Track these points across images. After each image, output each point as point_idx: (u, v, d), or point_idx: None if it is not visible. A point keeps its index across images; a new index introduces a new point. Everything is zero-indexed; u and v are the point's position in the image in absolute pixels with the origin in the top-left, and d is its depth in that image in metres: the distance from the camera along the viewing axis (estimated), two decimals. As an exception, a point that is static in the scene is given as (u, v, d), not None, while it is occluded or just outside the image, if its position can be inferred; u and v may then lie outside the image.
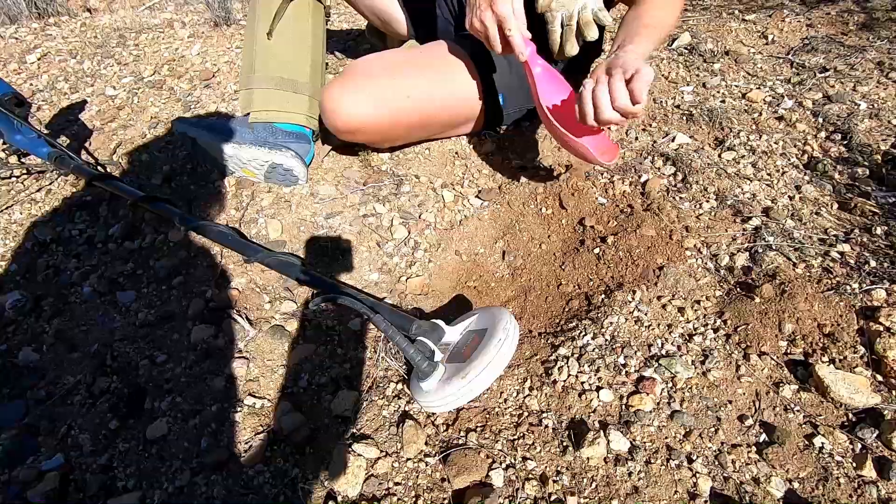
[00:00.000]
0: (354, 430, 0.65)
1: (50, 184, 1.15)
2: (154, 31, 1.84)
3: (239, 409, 0.70)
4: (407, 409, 0.67)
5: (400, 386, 0.69)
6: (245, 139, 1.00)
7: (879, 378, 0.64)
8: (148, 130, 1.28)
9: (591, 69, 0.82)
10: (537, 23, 0.92)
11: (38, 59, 1.69)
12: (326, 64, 1.30)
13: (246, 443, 0.66)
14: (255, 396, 0.71)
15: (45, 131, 1.31)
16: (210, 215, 1.00)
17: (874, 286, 0.73)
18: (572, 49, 0.89)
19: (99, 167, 1.17)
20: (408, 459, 0.61)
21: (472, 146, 1.10)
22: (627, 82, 0.73)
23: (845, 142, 1.03)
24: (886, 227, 0.83)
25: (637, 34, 0.84)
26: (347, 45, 1.68)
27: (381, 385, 0.70)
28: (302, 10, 1.03)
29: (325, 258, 0.92)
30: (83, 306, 0.87)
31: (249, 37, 1.03)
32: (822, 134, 1.06)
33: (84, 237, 1.01)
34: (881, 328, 0.67)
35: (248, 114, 1.02)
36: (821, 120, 1.09)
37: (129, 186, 1.00)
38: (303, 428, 0.66)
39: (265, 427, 0.68)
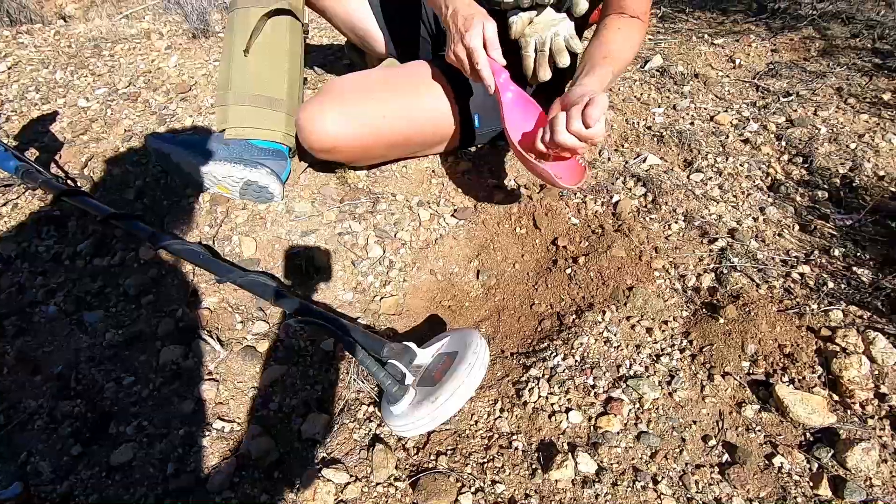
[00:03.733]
0: (324, 454, 0.65)
1: (17, 198, 1.12)
2: (130, 41, 1.82)
3: (207, 433, 0.69)
4: (378, 432, 0.66)
5: (371, 409, 0.69)
6: (220, 156, 1.00)
7: (835, 398, 0.66)
8: (121, 144, 1.26)
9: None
10: (512, 47, 0.95)
11: (9, 69, 1.65)
12: (305, 79, 1.30)
13: (213, 468, 0.65)
14: (224, 420, 0.70)
15: (13, 143, 1.28)
16: (183, 232, 0.99)
17: (832, 307, 0.76)
18: (545, 74, 0.91)
19: (69, 182, 1.14)
20: (377, 484, 0.61)
21: (448, 165, 1.11)
22: (584, 108, 0.74)
23: (806, 165, 1.07)
24: (844, 249, 0.86)
25: (597, 65, 0.86)
26: (327, 60, 1.69)
27: (352, 408, 0.70)
28: (279, 27, 1.04)
29: (299, 277, 0.91)
30: (48, 326, 0.85)
31: (226, 53, 1.03)
32: (785, 157, 1.10)
33: (51, 254, 0.99)
34: (837, 349, 0.70)
35: (224, 130, 1.01)
36: (784, 143, 1.13)
37: (98, 202, 0.98)
38: (272, 452, 0.66)
39: (234, 451, 0.67)
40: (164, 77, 1.56)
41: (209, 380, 0.75)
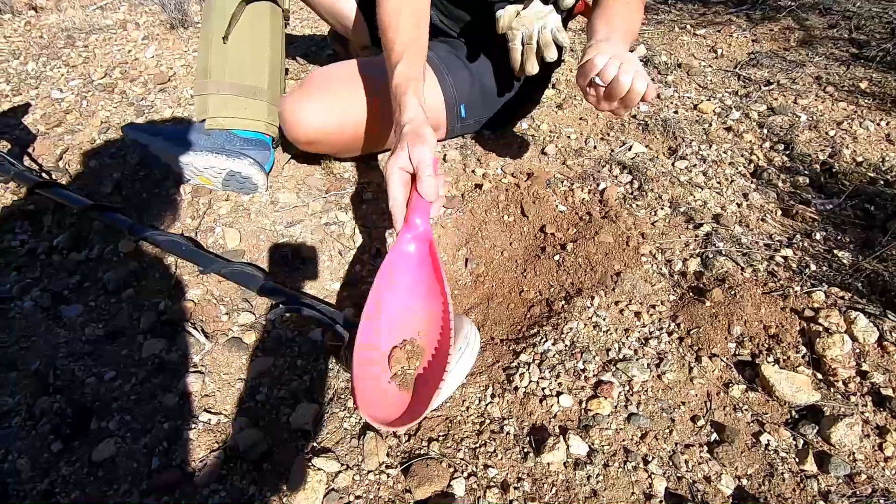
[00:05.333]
0: (314, 444, 0.64)
1: (-12, 192, 1.08)
2: (105, 31, 1.77)
3: (193, 425, 0.67)
4: (368, 420, 0.66)
5: (361, 397, 0.69)
6: (201, 146, 0.97)
7: (819, 376, 0.68)
8: (97, 136, 1.23)
9: (583, 57, 0.76)
10: (499, 40, 0.94)
11: (-23, 59, 1.59)
12: (287, 70, 1.28)
13: (200, 461, 0.64)
14: (210, 412, 0.69)
15: (-16, 136, 1.24)
16: (164, 224, 0.96)
17: (814, 289, 0.77)
18: (532, 68, 0.91)
19: (43, 174, 1.11)
20: (369, 472, 0.60)
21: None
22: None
23: (788, 152, 1.08)
24: (825, 233, 0.88)
25: (618, 31, 0.81)
26: (310, 50, 1.66)
27: (342, 397, 0.69)
28: (259, 13, 1.01)
29: (285, 268, 0.90)
30: (24, 322, 0.82)
31: (204, 41, 1.01)
32: (767, 144, 1.11)
33: (26, 248, 0.96)
34: (820, 328, 0.71)
35: (204, 120, 0.99)
36: (766, 131, 1.15)
37: (75, 194, 0.95)
38: (260, 443, 0.64)
39: (221, 444, 0.65)
40: (141, 68, 1.52)
41: (194, 372, 0.73)
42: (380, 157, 1.10)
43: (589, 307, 0.78)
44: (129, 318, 0.81)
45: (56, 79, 1.48)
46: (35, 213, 1.03)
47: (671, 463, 0.60)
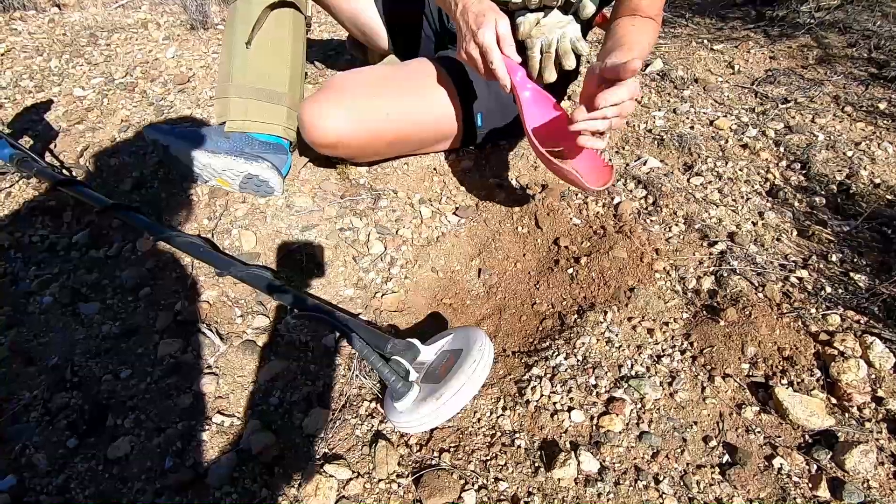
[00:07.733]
0: (326, 450, 0.65)
1: (10, 186, 1.10)
2: (127, 31, 1.80)
3: (206, 427, 0.68)
4: (380, 428, 0.66)
5: (373, 405, 0.69)
6: (220, 148, 0.99)
7: (834, 401, 0.67)
8: (118, 134, 1.24)
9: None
10: (518, 48, 0.95)
11: (2, 55, 1.62)
12: (306, 74, 1.30)
13: (213, 462, 0.64)
14: (223, 414, 0.70)
15: (7, 131, 1.26)
16: (181, 225, 0.98)
17: (830, 311, 0.77)
18: (550, 76, 0.92)
19: (64, 171, 1.13)
20: (380, 480, 0.60)
21: (450, 163, 1.11)
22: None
23: (804, 171, 1.08)
24: (841, 255, 0.88)
25: (620, 50, 0.81)
26: (328, 55, 1.68)
27: (354, 404, 0.70)
28: (282, 19, 1.03)
29: (299, 272, 0.90)
30: (42, 317, 0.84)
31: (227, 45, 1.02)
32: (784, 163, 1.11)
33: (46, 244, 0.97)
34: (836, 352, 0.71)
35: (224, 123, 1.00)
36: (782, 149, 1.14)
37: (95, 192, 0.97)
38: (273, 447, 0.65)
39: (234, 446, 0.66)
40: (161, 68, 1.54)
41: (208, 373, 0.74)
42: (394, 163, 1.10)
43: (602, 322, 0.78)
44: (146, 318, 0.82)
45: (78, 76, 1.51)
46: (55, 208, 1.04)
47: (682, 483, 0.60)
